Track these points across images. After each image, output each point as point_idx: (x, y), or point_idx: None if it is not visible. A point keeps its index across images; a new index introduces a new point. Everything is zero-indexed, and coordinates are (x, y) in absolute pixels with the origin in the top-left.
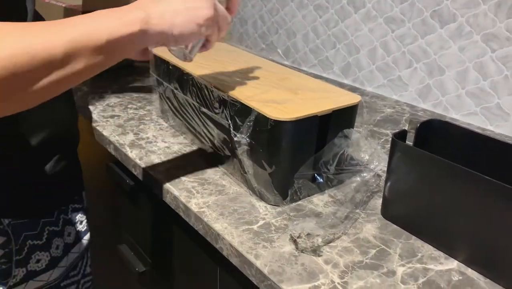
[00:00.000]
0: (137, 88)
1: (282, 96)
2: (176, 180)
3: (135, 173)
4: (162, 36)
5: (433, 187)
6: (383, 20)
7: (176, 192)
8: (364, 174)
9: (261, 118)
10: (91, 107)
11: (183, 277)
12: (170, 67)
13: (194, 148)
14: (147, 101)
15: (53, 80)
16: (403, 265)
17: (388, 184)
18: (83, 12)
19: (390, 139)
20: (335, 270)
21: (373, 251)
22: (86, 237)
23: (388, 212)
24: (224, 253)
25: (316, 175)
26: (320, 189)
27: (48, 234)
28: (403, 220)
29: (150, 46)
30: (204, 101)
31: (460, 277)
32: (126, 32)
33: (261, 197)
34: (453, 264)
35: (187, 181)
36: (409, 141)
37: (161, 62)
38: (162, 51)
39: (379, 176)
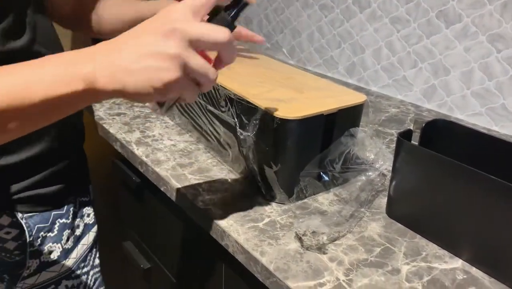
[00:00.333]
0: None
1: (288, 95)
2: (182, 178)
3: (142, 170)
4: (116, 95)
5: (438, 186)
6: (389, 20)
7: (182, 189)
8: (369, 173)
9: (267, 117)
10: (97, 105)
11: (188, 274)
12: None
13: (200, 145)
14: None
15: None
16: (408, 264)
17: (393, 183)
18: None
19: (395, 139)
20: (340, 268)
21: (378, 249)
22: (94, 229)
23: (393, 211)
24: (230, 250)
25: (321, 173)
26: (326, 187)
27: (59, 226)
28: (407, 219)
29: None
30: (211, 100)
31: (465, 276)
32: (65, 91)
33: (267, 195)
34: (458, 263)
35: (193, 178)
36: (414, 141)
37: None
38: None
39: (384, 175)
